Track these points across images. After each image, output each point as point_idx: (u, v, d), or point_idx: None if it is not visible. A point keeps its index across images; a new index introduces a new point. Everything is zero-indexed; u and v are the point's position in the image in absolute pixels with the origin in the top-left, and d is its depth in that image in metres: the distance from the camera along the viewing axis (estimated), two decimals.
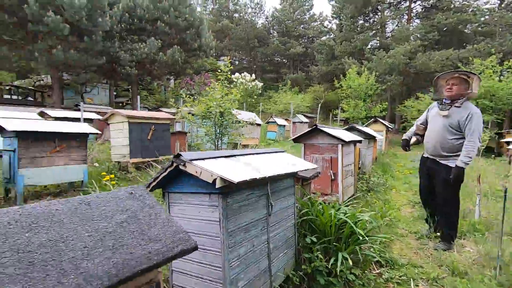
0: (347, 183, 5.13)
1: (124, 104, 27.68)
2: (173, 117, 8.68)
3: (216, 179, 1.89)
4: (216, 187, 1.90)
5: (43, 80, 25.23)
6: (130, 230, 1.32)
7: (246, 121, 7.93)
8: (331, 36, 37.59)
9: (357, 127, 6.82)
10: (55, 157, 5.60)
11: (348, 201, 4.46)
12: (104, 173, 6.39)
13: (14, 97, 22.72)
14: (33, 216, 1.15)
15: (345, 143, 4.71)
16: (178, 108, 6.39)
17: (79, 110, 14.81)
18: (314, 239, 3.12)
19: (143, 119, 7.41)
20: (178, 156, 2.14)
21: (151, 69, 18.91)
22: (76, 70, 15.18)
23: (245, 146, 11.38)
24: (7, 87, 22.55)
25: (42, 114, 10.23)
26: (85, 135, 6.14)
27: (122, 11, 16.55)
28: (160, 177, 2.30)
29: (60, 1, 11.64)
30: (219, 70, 6.70)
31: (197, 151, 8.36)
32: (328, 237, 3.16)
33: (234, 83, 22.64)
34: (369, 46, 30.21)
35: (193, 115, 7.22)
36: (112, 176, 6.09)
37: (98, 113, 12.87)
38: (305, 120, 19.73)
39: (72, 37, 12.75)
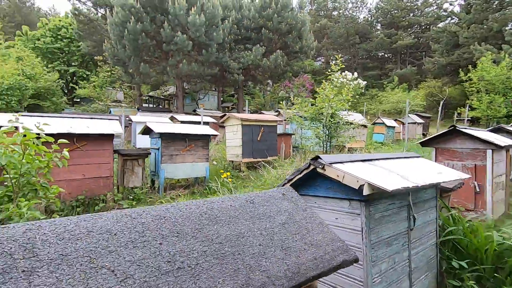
0: (497, 198, 4.14)
1: (230, 108, 30.44)
2: (280, 119, 8.95)
3: (363, 185, 1.75)
4: (364, 194, 1.76)
5: (168, 90, 30.29)
6: (291, 232, 1.33)
7: (356, 123, 7.44)
8: (453, 20, 31.84)
9: (506, 127, 5.45)
10: (186, 155, 6.54)
11: (499, 220, 3.57)
12: (222, 170, 7.10)
13: (150, 105, 28.15)
14: (215, 210, 1.28)
15: (497, 148, 3.81)
16: (288, 109, 6.47)
17: (196, 114, 17.16)
18: (464, 265, 2.59)
19: (254, 121, 7.89)
20: (316, 158, 2.10)
21: (255, 75, 20.16)
22: (194, 80, 17.56)
23: (350, 149, 10.75)
24: (145, 97, 28.11)
25: (172, 119, 12.23)
26: (208, 136, 6.97)
27: (231, 24, 18.26)
28: (295, 179, 2.31)
29: (185, 22, 13.72)
30: (329, 70, 6.48)
31: (304, 152, 8.37)
32: (483, 264, 2.58)
33: (334, 83, 21.78)
34: (510, 27, 24.13)
35: (300, 116, 7.23)
36: (229, 173, 6.70)
37: (211, 117, 14.54)
38: (419, 120, 17.23)
39: (193, 52, 14.84)
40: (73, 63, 28.54)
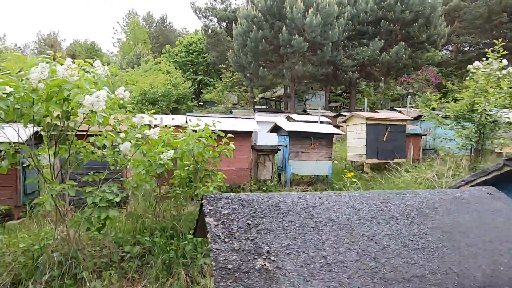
0: None
1: (338, 107, 29.44)
2: (410, 118, 8.12)
3: None
4: None
5: (276, 92, 31.72)
6: None
7: None
8: None
9: None
10: (311, 153, 6.76)
11: None
12: (345, 170, 7.00)
13: (263, 106, 30.22)
14: (430, 200, 1.33)
15: None
16: (427, 107, 5.82)
17: (308, 114, 17.42)
18: None
19: (380, 120, 7.44)
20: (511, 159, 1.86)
21: (371, 71, 18.86)
22: (306, 81, 17.83)
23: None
24: (258, 99, 30.28)
25: (288, 118, 12.79)
26: (331, 135, 6.99)
27: (346, 20, 17.63)
28: (477, 181, 2.10)
29: (301, 24, 14.13)
30: (488, 60, 5.46)
31: (437, 155, 7.33)
32: None
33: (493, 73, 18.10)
34: None
35: (439, 114, 6.36)
36: (353, 174, 6.54)
37: (325, 116, 14.46)
38: None
39: (308, 53, 15.12)
40: (199, 72, 33.44)
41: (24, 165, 4.67)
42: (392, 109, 20.00)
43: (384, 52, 17.06)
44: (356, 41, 19.10)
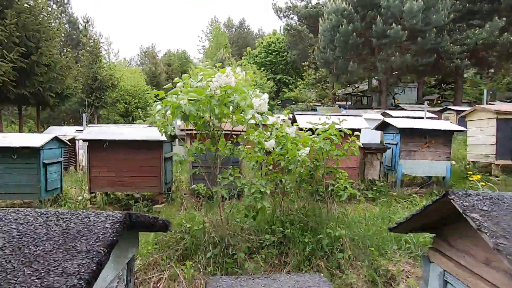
0: None
1: (435, 101, 25.91)
2: None
3: None
4: None
5: (358, 87, 29.77)
6: None
7: None
8: None
9: None
10: (425, 152, 6.16)
11: None
12: (470, 172, 6.15)
13: (345, 103, 28.87)
14: None
15: None
16: None
17: (402, 109, 15.84)
18: None
19: None
20: None
21: (485, 57, 16.00)
22: (400, 73, 16.25)
23: None
24: (343, 95, 29.00)
25: (384, 114, 11.94)
26: (451, 133, 6.23)
27: (452, 1, 15.34)
28: None
29: (399, 11, 12.92)
30: None
31: None
32: None
33: None
34: None
35: None
36: (479, 176, 5.69)
37: (430, 112, 12.90)
38: None
39: (406, 42, 13.74)
40: (278, 72, 33.92)
41: (166, 157, 5.59)
42: (510, 100, 16.48)
43: (506, 33, 14.22)
44: (465, 23, 16.44)
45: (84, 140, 5.27)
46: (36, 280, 0.66)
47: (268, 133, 3.07)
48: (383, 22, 13.25)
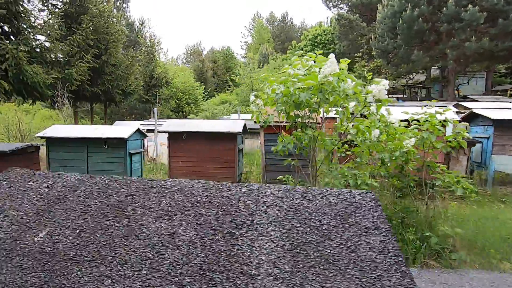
0: None
1: (508, 92, 22.82)
2: None
3: None
4: None
5: (413, 78, 27.42)
6: None
7: None
8: None
9: None
10: None
11: None
12: None
13: (403, 95, 26.89)
14: None
15: None
16: None
17: (473, 100, 14.18)
18: None
19: None
20: None
21: None
22: (475, 60, 14.56)
23: None
24: (400, 87, 27.08)
25: (456, 106, 10.84)
26: None
27: None
28: None
29: None
30: None
31: None
32: None
33: None
34: None
35: None
36: None
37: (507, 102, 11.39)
38: None
39: (484, 25, 12.22)
40: None
41: (239, 149, 5.70)
42: None
43: None
44: None
45: (165, 132, 5.58)
46: (351, 254, 0.62)
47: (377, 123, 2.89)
48: (455, 4, 11.91)
